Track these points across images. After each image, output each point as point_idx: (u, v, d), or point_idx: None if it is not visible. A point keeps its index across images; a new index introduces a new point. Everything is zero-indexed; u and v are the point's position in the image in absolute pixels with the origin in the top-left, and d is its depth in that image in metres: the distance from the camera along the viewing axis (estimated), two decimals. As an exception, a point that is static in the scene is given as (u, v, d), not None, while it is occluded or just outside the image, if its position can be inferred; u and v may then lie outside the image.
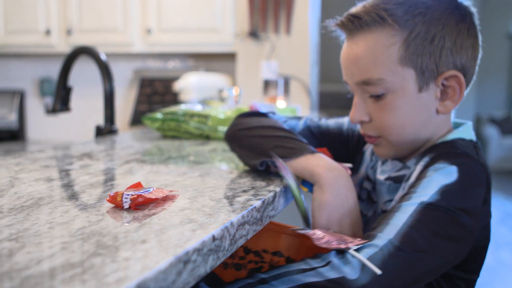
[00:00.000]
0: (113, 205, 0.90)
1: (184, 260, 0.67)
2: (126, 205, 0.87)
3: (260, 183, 1.11)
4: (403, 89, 1.10)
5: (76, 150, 1.61)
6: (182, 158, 1.50)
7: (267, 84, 2.88)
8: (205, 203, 0.93)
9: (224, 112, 1.96)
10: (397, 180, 1.18)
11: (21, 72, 4.84)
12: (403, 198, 1.01)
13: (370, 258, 0.91)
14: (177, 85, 3.64)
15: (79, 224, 0.79)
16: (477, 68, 1.16)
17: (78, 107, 4.43)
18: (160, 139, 1.96)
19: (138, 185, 0.98)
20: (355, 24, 1.14)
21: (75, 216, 0.84)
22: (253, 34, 3.64)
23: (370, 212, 1.26)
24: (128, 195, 0.88)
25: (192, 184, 1.09)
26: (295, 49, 3.64)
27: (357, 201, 1.10)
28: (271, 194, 1.02)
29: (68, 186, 1.09)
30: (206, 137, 1.94)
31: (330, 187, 1.07)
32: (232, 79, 4.04)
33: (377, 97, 1.13)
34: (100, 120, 4.34)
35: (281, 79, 2.88)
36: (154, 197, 0.91)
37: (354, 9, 1.17)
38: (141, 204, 0.90)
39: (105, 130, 2.12)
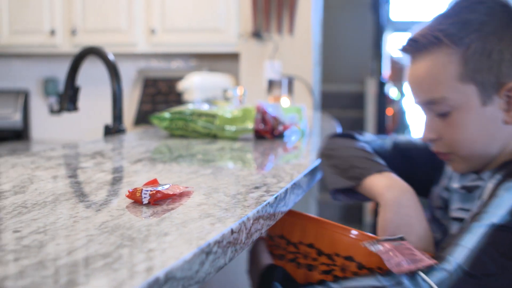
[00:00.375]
0: (132, 201, 0.94)
1: (206, 252, 0.71)
2: (145, 201, 0.91)
3: (271, 180, 1.15)
4: (467, 105, 1.11)
5: (88, 149, 1.65)
6: (191, 156, 1.53)
7: (271, 84, 2.92)
8: (220, 198, 0.97)
9: (231, 111, 1.99)
10: (471, 190, 1.18)
11: (25, 72, 4.87)
12: (474, 217, 1.02)
13: (439, 284, 0.93)
14: (181, 85, 3.67)
15: (102, 219, 0.82)
16: None
17: (82, 107, 4.46)
18: (167, 138, 2.00)
19: (154, 182, 1.02)
20: (414, 47, 1.17)
21: (96, 211, 0.88)
22: (257, 34, 3.68)
23: (445, 220, 1.27)
24: (147, 191, 0.92)
25: (205, 181, 1.13)
26: (298, 49, 3.68)
27: (424, 219, 1.12)
28: (283, 190, 1.06)
29: (85, 183, 1.12)
30: (213, 136, 1.97)
31: (390, 207, 1.10)
32: (235, 79, 4.08)
33: (443, 115, 1.15)
34: (103, 119, 4.37)
35: (285, 79, 2.91)
36: (172, 193, 0.94)
37: (413, 33, 1.19)
38: (160, 200, 0.93)
39: (114, 129, 2.16)
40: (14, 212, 0.86)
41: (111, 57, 2.22)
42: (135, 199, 0.92)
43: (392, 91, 5.98)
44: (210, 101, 2.53)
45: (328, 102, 5.65)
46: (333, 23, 6.77)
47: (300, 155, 1.72)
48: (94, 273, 0.59)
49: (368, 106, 5.54)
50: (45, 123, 4.85)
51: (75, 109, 2.43)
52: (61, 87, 4.79)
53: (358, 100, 6.24)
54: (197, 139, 1.96)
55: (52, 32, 4.24)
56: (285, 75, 3.48)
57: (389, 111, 5.38)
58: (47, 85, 4.77)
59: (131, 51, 4.05)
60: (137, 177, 1.19)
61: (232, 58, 4.13)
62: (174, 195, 0.95)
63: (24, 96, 4.79)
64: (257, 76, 3.72)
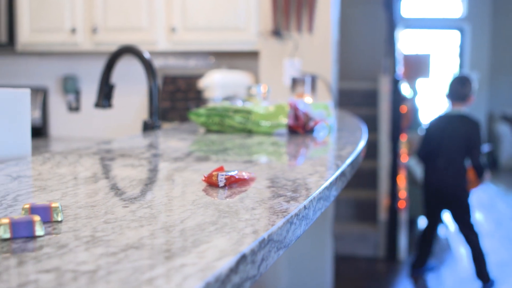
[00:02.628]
0: (207, 184, 1.10)
1: (290, 222, 0.87)
2: (221, 184, 1.07)
3: (320, 168, 1.31)
4: None
5: (138, 142, 1.81)
6: (238, 149, 1.69)
7: (294, 82, 3.07)
8: (283, 183, 1.13)
9: (265, 107, 2.16)
10: None
11: (44, 70, 5.04)
12: None
13: None
14: (202, 83, 3.83)
15: (190, 197, 0.99)
16: None
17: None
18: (204, 133, 2.16)
19: (221, 169, 1.18)
20: None
21: (182, 192, 1.04)
22: (276, 32, 3.84)
23: None
24: (222, 175, 1.08)
25: (262, 170, 1.29)
26: (318, 47, 3.84)
27: None
28: (334, 177, 1.22)
29: (156, 170, 1.28)
30: (248, 131, 2.13)
31: None
32: (254, 76, 4.24)
33: None
34: (121, 117, 4.54)
35: (308, 76, 3.07)
36: (244, 177, 1.10)
37: None
38: (233, 183, 1.09)
39: (151, 125, 2.32)
40: (110, 193, 1.02)
41: (147, 55, 2.37)
42: (212, 182, 1.08)
43: (405, 89, 6.12)
44: (244, 98, 2.69)
45: (342, 100, 5.81)
46: (345, 21, 6.92)
47: (336, 148, 1.87)
48: (211, 235, 0.75)
49: (382, 103, 5.68)
50: (63, 121, 5.02)
51: (110, 106, 2.58)
52: (80, 85, 4.96)
53: (371, 98, 6.40)
54: (233, 134, 2.12)
55: (73, 31, 4.41)
56: (304, 73, 3.64)
57: (403, 109, 5.53)
58: (66, 82, 4.94)
59: (151, 49, 4.21)
60: (200, 166, 1.35)
61: (251, 56, 4.29)
62: (245, 179, 1.11)
63: (43, 94, 4.96)
64: (277, 74, 3.89)
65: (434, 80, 9.34)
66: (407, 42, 10.83)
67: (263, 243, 0.74)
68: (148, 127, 2.32)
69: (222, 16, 4.04)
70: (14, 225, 0.73)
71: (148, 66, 2.37)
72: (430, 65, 7.67)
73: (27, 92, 1.55)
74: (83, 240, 0.72)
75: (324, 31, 3.83)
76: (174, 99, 4.44)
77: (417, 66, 7.55)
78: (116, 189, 1.06)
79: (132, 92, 4.71)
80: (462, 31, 11.03)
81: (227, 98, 3.62)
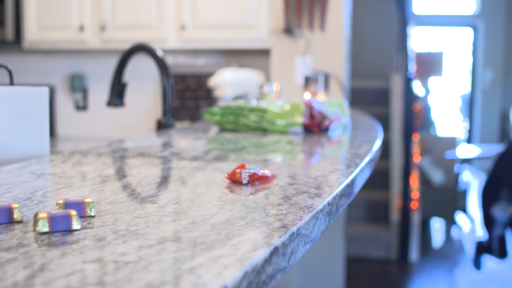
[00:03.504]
0: (230, 181, 1.15)
1: (316, 217, 0.91)
2: (244, 181, 1.12)
3: (339, 166, 1.36)
4: None
5: (153, 141, 1.86)
6: (255, 147, 1.74)
7: (307, 80, 3.12)
8: (305, 180, 1.18)
9: (280, 106, 2.20)
10: None
11: (51, 68, 5.10)
12: None
13: None
14: (212, 81, 3.88)
15: (216, 194, 1.03)
16: None
17: (102, 103, 4.67)
18: (219, 132, 2.20)
19: (242, 166, 1.23)
20: None
21: (206, 189, 1.08)
22: (288, 30, 3.89)
23: None
24: (246, 172, 1.12)
25: (282, 167, 1.34)
26: (330, 45, 3.88)
27: None
28: (355, 175, 1.27)
29: (176, 168, 1.33)
30: (263, 130, 2.18)
31: None
32: (265, 75, 4.28)
33: None
34: (127, 116, 4.59)
35: (321, 75, 3.11)
36: (266, 175, 1.15)
37: None
38: (256, 180, 1.14)
39: (165, 124, 2.37)
40: (136, 190, 1.07)
41: (160, 53, 2.42)
42: (235, 179, 1.13)
43: (417, 87, 6.15)
44: (258, 97, 2.73)
45: (353, 98, 5.85)
46: (356, 18, 6.96)
47: (353, 147, 1.92)
48: (242, 228, 0.80)
49: (394, 102, 5.73)
50: (70, 120, 5.08)
51: (122, 104, 2.63)
52: (87, 83, 5.01)
53: (382, 96, 6.44)
54: (247, 132, 2.16)
55: (81, 28, 4.46)
56: (316, 71, 3.69)
57: (415, 108, 5.57)
58: (73, 81, 4.99)
59: (161, 47, 4.26)
60: (220, 164, 1.40)
61: (261, 54, 4.33)
62: (267, 176, 1.16)
63: (49, 92, 5.02)
64: (289, 73, 3.93)
65: (447, 78, 9.36)
66: (419, 39, 10.86)
67: (292, 237, 0.79)
68: (162, 126, 2.37)
69: (232, 14, 4.09)
70: (52, 219, 0.78)
71: (161, 64, 2.42)
72: (443, 63, 7.70)
73: (45, 90, 1.60)
74: (119, 234, 0.76)
75: (337, 29, 3.87)
76: (184, 98, 4.49)
77: (429, 64, 7.58)
78: (141, 186, 1.10)
79: (141, 91, 4.76)
80: (475, 28, 11.05)
81: (238, 97, 3.67)
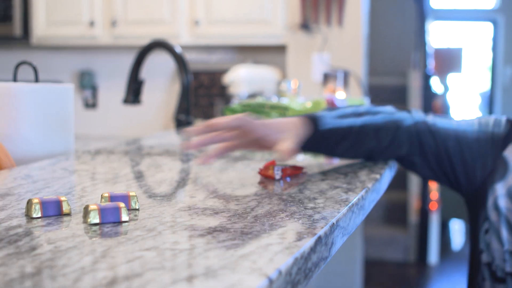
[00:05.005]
0: (262, 176, 1.22)
1: (352, 210, 0.99)
2: (277, 176, 1.19)
3: (368, 163, 1.43)
4: None
5: (175, 139, 1.93)
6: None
7: (326, 77, 3.19)
8: (336, 175, 1.25)
9: (302, 104, 2.27)
10: None
11: (60, 65, 5.17)
12: None
13: None
14: (227, 78, 3.95)
15: (252, 189, 1.11)
16: None
17: (115, 101, 4.75)
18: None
19: (273, 163, 1.30)
20: None
21: (240, 184, 1.16)
22: (305, 26, 3.96)
23: None
24: (278, 168, 1.20)
25: (309, 164, 1.41)
26: (348, 41, 3.95)
27: None
28: (385, 172, 1.34)
29: (206, 164, 1.40)
30: (284, 128, 2.25)
31: None
32: (281, 72, 4.35)
33: None
34: (136, 114, 4.66)
35: (340, 72, 3.18)
36: (298, 170, 1.22)
37: None
38: (288, 175, 1.21)
39: (185, 122, 2.44)
40: (172, 184, 1.15)
41: (178, 50, 2.49)
42: (268, 175, 1.20)
43: (436, 84, 6.19)
44: (279, 93, 2.80)
45: (369, 96, 5.90)
46: (372, 13, 7.01)
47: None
48: (284, 220, 0.87)
49: (411, 100, 5.78)
50: (79, 118, 5.15)
51: (139, 102, 2.70)
52: (97, 80, 5.09)
53: (400, 94, 6.48)
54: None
55: (91, 24, 4.54)
56: (334, 68, 3.76)
57: (434, 106, 5.61)
58: (83, 78, 5.07)
59: (173, 43, 4.33)
60: (248, 161, 1.47)
61: (277, 50, 4.40)
62: (299, 172, 1.23)
63: (58, 89, 5.09)
64: (305, 69, 4.00)
65: (466, 75, 9.41)
66: (438, 35, 10.91)
67: (332, 228, 0.86)
68: (181, 124, 2.44)
69: (247, 8, 4.15)
70: (102, 211, 0.86)
71: (180, 61, 2.49)
72: (462, 59, 7.74)
73: (71, 87, 1.68)
74: (167, 225, 0.84)
75: (355, 24, 3.94)
76: (197, 95, 4.57)
77: (448, 61, 7.63)
78: (176, 182, 1.18)
79: (153, 88, 4.83)
80: (495, 23, 11.08)
81: (253, 94, 3.74)
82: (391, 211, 5.67)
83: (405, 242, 5.40)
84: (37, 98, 1.60)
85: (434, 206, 5.38)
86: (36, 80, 1.66)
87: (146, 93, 4.82)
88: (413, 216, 5.39)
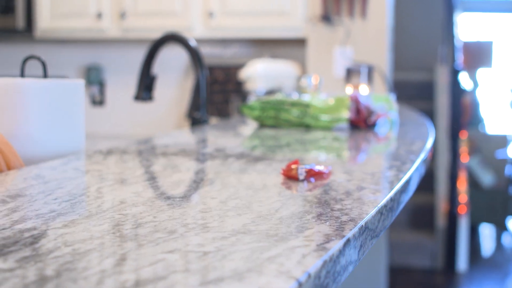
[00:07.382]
0: (285, 177, 1.23)
1: (381, 213, 1.00)
2: (301, 177, 1.21)
3: (394, 163, 1.44)
4: None
5: (191, 137, 1.95)
6: (300, 144, 1.83)
7: (349, 72, 3.20)
8: (363, 176, 1.26)
9: (324, 100, 2.29)
10: None
11: (65, 59, 5.21)
12: None
13: None
14: (243, 73, 3.96)
15: (275, 190, 1.12)
16: None
17: (122, 98, 4.77)
18: (258, 128, 2.29)
19: (296, 162, 1.32)
20: None
21: (263, 185, 1.18)
22: (326, 18, 3.97)
23: None
24: (302, 168, 1.21)
25: (336, 163, 1.43)
26: (371, 34, 3.96)
27: None
28: (413, 171, 1.35)
29: (226, 164, 1.42)
30: (306, 126, 2.26)
31: None
32: (301, 66, 4.36)
33: None
34: (143, 111, 4.69)
35: (364, 67, 3.19)
36: (323, 171, 1.24)
37: None
38: (312, 176, 1.23)
39: (200, 120, 2.46)
40: (192, 185, 1.17)
41: (193, 43, 2.51)
42: (291, 176, 1.22)
43: (464, 80, 6.18)
44: (299, 90, 2.81)
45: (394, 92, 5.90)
46: (397, 4, 7.01)
47: (404, 143, 2.00)
48: (310, 222, 0.89)
49: (439, 96, 5.77)
50: (86, 115, 5.18)
51: (151, 99, 2.72)
52: (104, 75, 5.12)
53: (426, 90, 6.47)
54: (289, 129, 2.25)
55: (99, 16, 4.57)
56: (357, 62, 3.77)
57: (463, 103, 5.60)
58: (90, 73, 5.11)
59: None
60: (269, 161, 1.49)
61: (296, 44, 4.41)
62: (323, 172, 1.25)
63: (64, 85, 5.13)
64: (327, 63, 4.02)
65: (497, 70, 9.38)
66: (467, 27, 10.88)
67: (361, 230, 0.88)
68: (196, 122, 2.46)
69: (265, 0, 4.16)
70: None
71: (195, 55, 2.51)
72: (493, 54, 7.71)
73: (81, 83, 1.70)
74: (189, 227, 0.86)
75: (379, 17, 3.95)
76: (211, 91, 4.58)
77: (478, 55, 7.61)
78: (195, 182, 1.20)
79: (164, 84, 4.85)
80: (528, 14, 11.04)
81: (271, 91, 3.75)
82: (417, 215, 5.66)
83: (432, 248, 5.39)
84: (47, 95, 1.61)
85: (463, 210, 5.38)
86: (45, 75, 1.68)
87: (157, 90, 4.85)
88: (441, 220, 5.39)
